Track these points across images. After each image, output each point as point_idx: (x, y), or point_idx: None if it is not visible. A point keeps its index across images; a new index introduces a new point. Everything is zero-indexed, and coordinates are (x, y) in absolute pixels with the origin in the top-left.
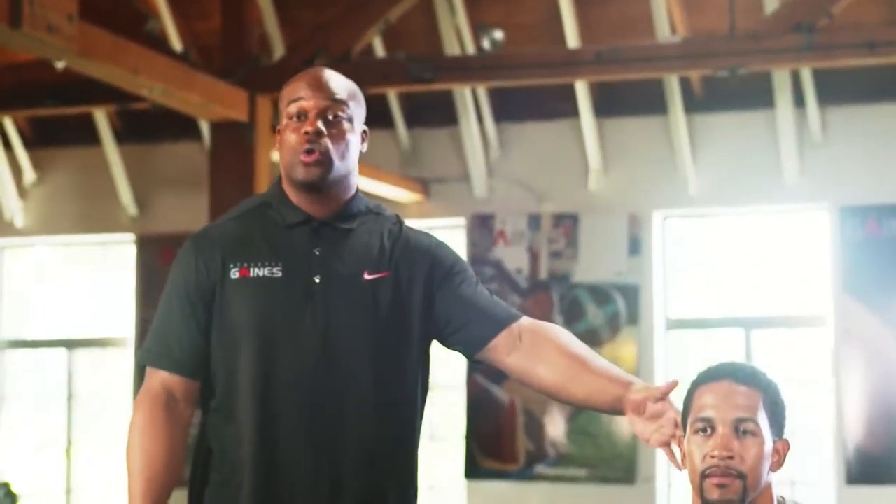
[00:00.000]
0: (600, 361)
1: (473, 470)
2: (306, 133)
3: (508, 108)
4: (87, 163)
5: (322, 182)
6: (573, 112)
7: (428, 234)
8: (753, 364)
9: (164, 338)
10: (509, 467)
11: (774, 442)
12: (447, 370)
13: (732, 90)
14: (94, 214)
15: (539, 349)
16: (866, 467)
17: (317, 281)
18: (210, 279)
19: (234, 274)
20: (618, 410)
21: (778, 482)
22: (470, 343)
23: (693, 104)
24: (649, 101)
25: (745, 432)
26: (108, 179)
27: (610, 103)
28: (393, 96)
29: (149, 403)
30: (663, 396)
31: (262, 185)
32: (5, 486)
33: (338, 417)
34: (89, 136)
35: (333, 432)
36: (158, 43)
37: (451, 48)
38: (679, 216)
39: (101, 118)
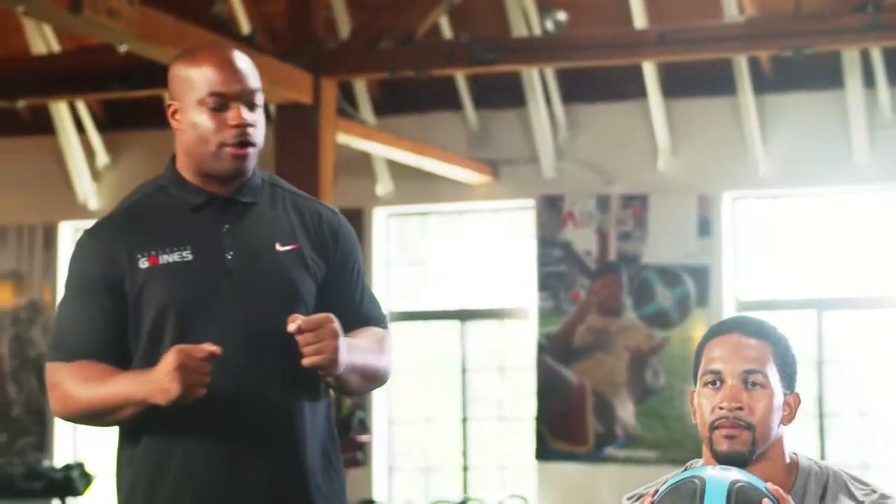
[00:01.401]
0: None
1: (544, 451)
2: (236, 126)
3: (576, 89)
4: (158, 145)
5: (243, 173)
6: (641, 93)
7: (331, 209)
8: (762, 318)
9: (72, 335)
10: (579, 449)
11: (785, 395)
12: (517, 351)
13: (802, 70)
14: None
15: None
16: None
17: (229, 257)
18: (116, 272)
19: (143, 263)
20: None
21: (850, 465)
22: None
23: (762, 84)
24: (718, 82)
25: (753, 384)
26: None
27: (678, 84)
28: (461, 78)
29: (57, 378)
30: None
31: (327, 166)
32: (80, 465)
33: (260, 392)
34: (160, 119)
35: (255, 406)
36: (224, 26)
37: (519, 29)
38: (749, 197)
39: None
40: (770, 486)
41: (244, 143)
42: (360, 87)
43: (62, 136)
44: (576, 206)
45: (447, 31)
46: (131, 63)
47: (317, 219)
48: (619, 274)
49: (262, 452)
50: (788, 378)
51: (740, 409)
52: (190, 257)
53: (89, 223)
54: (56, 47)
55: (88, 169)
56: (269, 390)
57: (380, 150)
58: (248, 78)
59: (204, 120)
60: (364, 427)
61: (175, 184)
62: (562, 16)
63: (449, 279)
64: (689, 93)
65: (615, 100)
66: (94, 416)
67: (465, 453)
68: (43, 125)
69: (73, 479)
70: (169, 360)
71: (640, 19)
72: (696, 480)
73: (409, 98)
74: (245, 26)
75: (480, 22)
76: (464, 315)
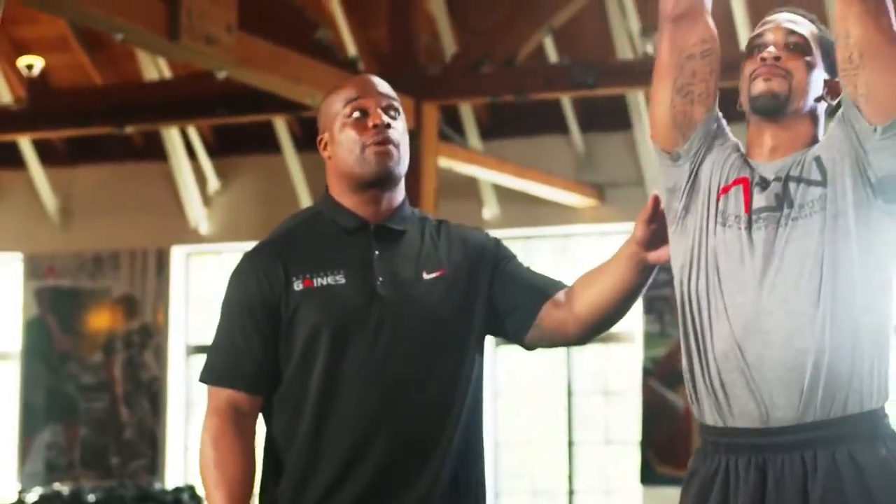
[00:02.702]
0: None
1: (649, 475)
2: (375, 126)
3: None
4: (268, 170)
5: (392, 174)
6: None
7: (472, 228)
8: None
9: (228, 355)
10: (684, 473)
11: (826, 79)
12: (623, 375)
13: None
14: (276, 221)
15: (571, 295)
16: None
17: (379, 283)
18: (274, 294)
19: (298, 286)
20: (641, 265)
21: None
22: (521, 322)
23: None
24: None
25: (796, 45)
26: (289, 186)
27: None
28: (566, 101)
29: (217, 420)
30: (650, 214)
31: (428, 190)
32: (191, 488)
33: (407, 417)
34: (270, 143)
35: (402, 431)
36: (327, 51)
37: (624, 52)
38: None
39: (281, 126)
40: None
41: (385, 140)
42: (467, 111)
43: (174, 162)
44: None
45: (552, 55)
46: (236, 89)
47: (462, 243)
48: None
49: (405, 474)
50: (830, 64)
51: (779, 58)
52: (343, 281)
53: (201, 247)
54: (167, 73)
55: (199, 194)
56: (413, 411)
57: (484, 174)
58: (381, 88)
59: (348, 132)
60: None
61: (329, 209)
62: None
63: None
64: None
65: None
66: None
67: (570, 477)
68: (155, 151)
69: (184, 501)
70: None
71: (745, 42)
72: None
73: (515, 122)
74: (352, 51)
75: (586, 45)
76: None
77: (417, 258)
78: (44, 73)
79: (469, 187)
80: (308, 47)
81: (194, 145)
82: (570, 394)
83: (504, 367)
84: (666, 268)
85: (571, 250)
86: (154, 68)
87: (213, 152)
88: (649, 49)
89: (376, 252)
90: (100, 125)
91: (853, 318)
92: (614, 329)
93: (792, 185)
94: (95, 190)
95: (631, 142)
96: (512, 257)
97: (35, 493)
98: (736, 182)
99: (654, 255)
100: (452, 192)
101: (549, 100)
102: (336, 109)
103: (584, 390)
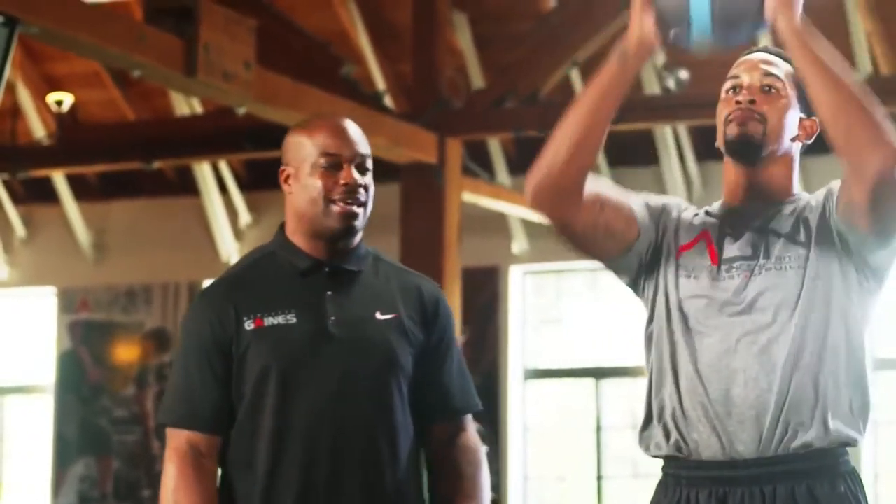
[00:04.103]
0: None
1: None
2: (346, 184)
3: (710, 146)
4: None
5: (352, 231)
6: None
7: (431, 282)
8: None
9: (185, 396)
10: None
11: (802, 117)
12: None
13: None
14: None
15: (444, 477)
16: None
17: (331, 322)
18: (225, 333)
19: (249, 325)
20: None
21: None
22: (418, 416)
23: None
24: None
25: (770, 88)
26: None
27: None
28: None
29: (177, 461)
30: None
31: (452, 225)
32: None
33: (354, 458)
34: None
35: (350, 471)
36: (351, 87)
37: (650, 87)
38: None
39: None
40: None
41: (353, 201)
42: (495, 146)
43: (205, 196)
44: None
45: (578, 89)
46: (263, 124)
47: (416, 292)
48: None
49: None
50: (805, 103)
51: (754, 101)
52: (294, 320)
53: None
54: (198, 109)
55: (231, 228)
56: (362, 449)
57: (509, 209)
58: (358, 143)
59: (316, 181)
60: None
61: (283, 249)
62: (684, 74)
63: (584, 337)
64: (820, 150)
65: None
66: None
67: None
68: (187, 185)
69: None
70: None
71: None
72: None
73: None
74: (380, 85)
75: None
76: (598, 373)
77: (372, 298)
78: (76, 108)
79: (498, 222)
80: (333, 83)
81: (226, 180)
82: (599, 428)
83: (533, 402)
84: None
85: (601, 284)
86: (185, 104)
87: (244, 186)
88: (671, 84)
89: (329, 292)
90: (129, 160)
91: (820, 361)
92: (643, 363)
93: (772, 238)
94: (128, 224)
95: (658, 176)
96: (452, 347)
97: None
98: (697, 239)
99: None
100: (481, 227)
101: None
102: (307, 151)
103: (614, 425)
